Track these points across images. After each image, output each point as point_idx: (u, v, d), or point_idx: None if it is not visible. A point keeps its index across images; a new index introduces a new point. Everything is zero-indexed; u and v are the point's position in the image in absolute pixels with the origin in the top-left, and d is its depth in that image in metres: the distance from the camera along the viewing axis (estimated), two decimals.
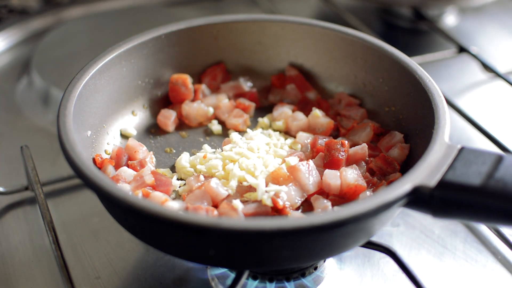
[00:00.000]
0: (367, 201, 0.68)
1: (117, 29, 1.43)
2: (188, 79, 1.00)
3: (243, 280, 0.76)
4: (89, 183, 0.72)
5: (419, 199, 0.70)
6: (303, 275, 0.85)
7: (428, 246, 0.93)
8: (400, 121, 0.92)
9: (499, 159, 0.71)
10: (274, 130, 0.98)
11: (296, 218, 0.66)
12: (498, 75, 1.26)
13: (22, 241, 0.95)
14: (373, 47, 0.96)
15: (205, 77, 1.05)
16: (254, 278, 0.84)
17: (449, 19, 1.54)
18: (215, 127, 1.00)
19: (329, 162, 0.86)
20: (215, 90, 1.05)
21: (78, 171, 0.73)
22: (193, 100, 1.02)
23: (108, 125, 0.93)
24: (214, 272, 0.87)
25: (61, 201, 1.02)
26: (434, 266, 0.90)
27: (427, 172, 0.71)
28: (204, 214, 0.77)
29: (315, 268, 0.86)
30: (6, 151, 1.14)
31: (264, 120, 1.00)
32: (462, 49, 1.32)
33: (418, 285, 0.79)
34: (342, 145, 0.87)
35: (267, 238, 0.67)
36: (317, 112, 0.97)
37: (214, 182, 0.83)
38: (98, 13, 1.56)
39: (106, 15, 1.54)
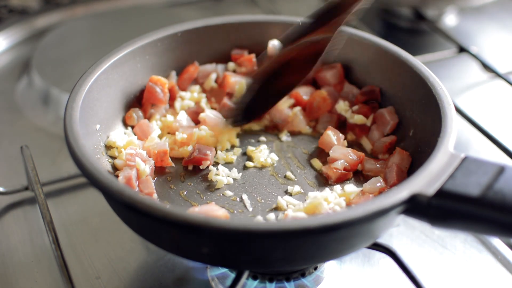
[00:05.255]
0: (363, 207, 0.67)
1: (117, 29, 1.44)
2: (166, 84, 0.98)
3: (243, 280, 0.76)
4: (85, 174, 0.73)
5: (416, 207, 0.70)
6: (303, 275, 0.85)
7: (428, 246, 0.93)
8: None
9: (500, 170, 0.70)
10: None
11: (286, 221, 0.67)
12: (498, 75, 1.26)
13: (22, 241, 0.95)
14: (389, 52, 0.95)
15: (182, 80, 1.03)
16: (254, 278, 0.84)
17: (449, 19, 1.54)
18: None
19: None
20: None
21: (77, 161, 0.74)
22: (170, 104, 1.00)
23: (118, 120, 0.94)
24: (214, 272, 0.87)
25: (61, 201, 1.02)
26: (434, 267, 0.90)
27: (426, 180, 0.70)
28: (196, 212, 0.77)
29: (315, 268, 0.86)
30: (6, 151, 1.14)
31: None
32: (462, 49, 1.32)
33: (418, 285, 0.79)
34: None
35: (256, 239, 0.67)
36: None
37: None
38: (98, 13, 1.56)
39: (106, 15, 1.54)
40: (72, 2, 1.57)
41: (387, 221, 0.74)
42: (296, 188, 0.87)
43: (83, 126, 0.80)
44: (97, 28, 1.46)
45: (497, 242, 0.94)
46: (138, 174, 0.84)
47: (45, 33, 1.44)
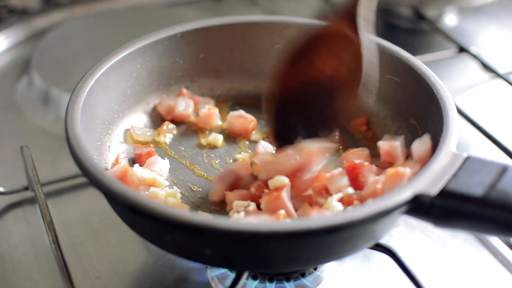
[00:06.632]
0: (366, 207, 0.67)
1: (117, 30, 1.43)
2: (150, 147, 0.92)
3: (243, 280, 0.76)
4: (87, 176, 0.73)
5: (419, 207, 0.69)
6: (303, 275, 0.85)
7: (428, 246, 0.93)
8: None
9: (503, 170, 0.69)
10: None
11: (291, 222, 0.67)
12: (498, 75, 1.26)
13: (22, 241, 0.95)
14: (389, 52, 0.95)
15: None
16: (254, 278, 0.84)
17: (449, 19, 1.54)
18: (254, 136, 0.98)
19: None
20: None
21: (79, 163, 0.74)
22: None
23: (123, 120, 0.95)
24: (214, 272, 0.87)
25: (61, 201, 1.02)
26: (434, 266, 0.90)
27: (429, 180, 0.70)
28: (200, 214, 0.77)
29: (315, 268, 0.86)
30: (6, 151, 1.14)
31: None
32: (462, 49, 1.32)
33: (418, 285, 0.79)
34: None
35: (262, 241, 0.67)
36: None
37: None
38: (98, 13, 1.56)
39: (106, 15, 1.54)
40: (72, 2, 1.57)
41: (390, 221, 0.74)
42: None
43: (84, 128, 0.80)
44: (97, 28, 1.46)
45: (497, 242, 0.94)
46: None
47: (45, 33, 1.44)
